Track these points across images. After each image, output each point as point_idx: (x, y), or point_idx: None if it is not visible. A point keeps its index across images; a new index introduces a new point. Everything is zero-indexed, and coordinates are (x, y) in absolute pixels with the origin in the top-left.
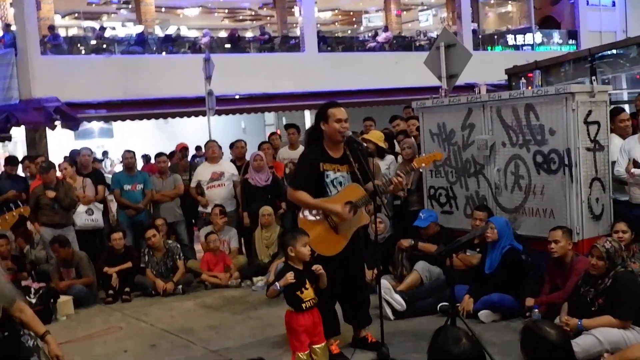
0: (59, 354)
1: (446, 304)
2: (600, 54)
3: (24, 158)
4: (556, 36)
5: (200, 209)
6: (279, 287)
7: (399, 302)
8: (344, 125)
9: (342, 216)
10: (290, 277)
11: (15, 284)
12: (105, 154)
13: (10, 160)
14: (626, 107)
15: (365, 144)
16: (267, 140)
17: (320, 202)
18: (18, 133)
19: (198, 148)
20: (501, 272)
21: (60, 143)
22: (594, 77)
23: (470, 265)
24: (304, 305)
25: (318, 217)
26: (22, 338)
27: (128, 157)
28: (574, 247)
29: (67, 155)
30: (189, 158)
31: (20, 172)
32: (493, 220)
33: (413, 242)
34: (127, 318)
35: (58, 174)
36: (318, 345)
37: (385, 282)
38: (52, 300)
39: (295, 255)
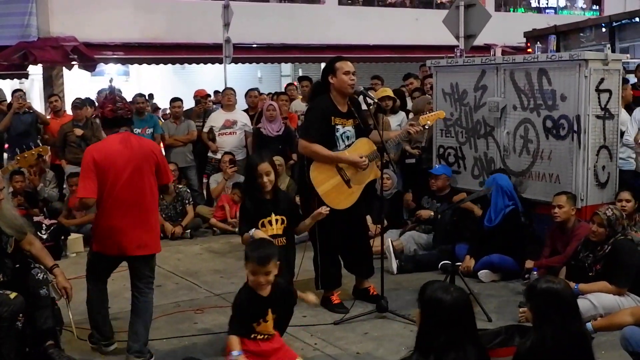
0: (66, 285)
1: (448, 262)
2: (620, 22)
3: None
4: (580, 1)
5: (209, 154)
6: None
7: (393, 267)
8: (352, 78)
9: (359, 165)
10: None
11: (27, 219)
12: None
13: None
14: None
15: (377, 101)
16: (283, 91)
17: (336, 154)
18: (35, 71)
19: (216, 92)
20: (500, 231)
21: (76, 83)
22: (608, 45)
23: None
24: (253, 336)
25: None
26: (32, 271)
27: (139, 102)
28: (577, 213)
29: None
30: None
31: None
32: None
33: (433, 214)
34: None
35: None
36: None
37: (387, 241)
38: (62, 237)
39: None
